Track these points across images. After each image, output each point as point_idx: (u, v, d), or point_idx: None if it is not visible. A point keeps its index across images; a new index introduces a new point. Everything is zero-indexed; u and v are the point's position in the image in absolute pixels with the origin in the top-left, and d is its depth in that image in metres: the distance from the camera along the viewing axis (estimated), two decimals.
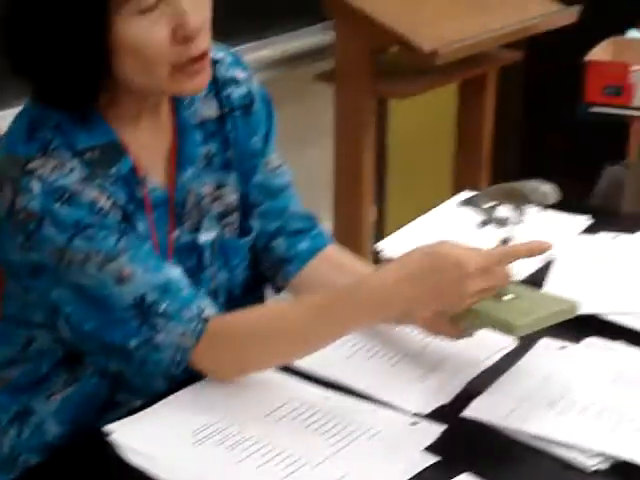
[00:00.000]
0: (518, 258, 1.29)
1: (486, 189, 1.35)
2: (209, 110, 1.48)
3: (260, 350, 1.37)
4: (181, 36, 1.28)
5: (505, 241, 1.34)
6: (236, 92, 1.50)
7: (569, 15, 3.09)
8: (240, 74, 1.52)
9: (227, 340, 1.36)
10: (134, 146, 1.39)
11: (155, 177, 1.42)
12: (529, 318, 1.30)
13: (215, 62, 1.46)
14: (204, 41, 1.32)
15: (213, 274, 1.50)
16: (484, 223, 1.34)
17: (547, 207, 1.84)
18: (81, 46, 1.27)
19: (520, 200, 1.31)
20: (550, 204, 1.30)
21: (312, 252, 1.56)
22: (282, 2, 2.90)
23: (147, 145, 1.41)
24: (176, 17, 1.27)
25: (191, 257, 1.47)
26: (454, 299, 1.29)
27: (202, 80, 1.35)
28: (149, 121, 1.42)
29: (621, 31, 3.06)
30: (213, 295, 1.48)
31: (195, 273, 1.46)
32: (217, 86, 1.48)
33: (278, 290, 1.60)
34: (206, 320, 1.35)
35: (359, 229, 2.81)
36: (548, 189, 1.30)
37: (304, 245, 1.56)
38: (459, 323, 1.35)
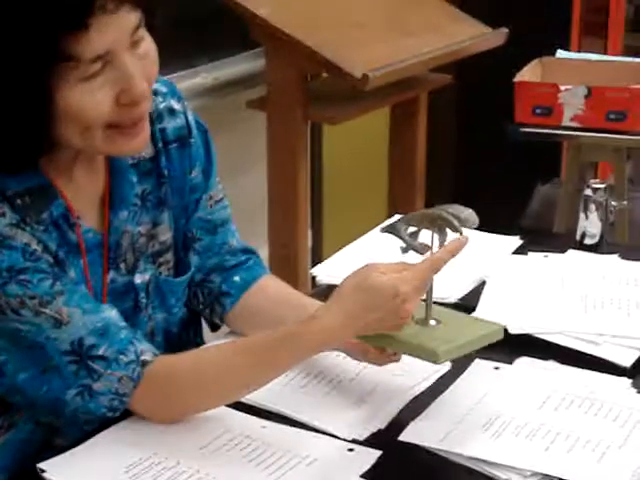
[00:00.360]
0: (444, 263, 1.30)
1: (406, 215, 1.35)
2: (144, 151, 1.44)
3: (199, 396, 1.36)
4: (125, 101, 1.26)
5: (405, 249, 1.35)
6: (172, 124, 1.47)
7: (498, 37, 3.13)
8: (175, 105, 1.49)
9: (166, 386, 1.35)
10: (67, 189, 1.37)
11: (89, 220, 1.40)
12: (452, 345, 1.31)
13: None
14: (147, 104, 1.31)
15: (150, 315, 1.48)
16: (405, 250, 1.35)
17: (477, 229, 1.87)
18: (24, 114, 1.25)
19: (440, 226, 1.32)
20: (471, 228, 1.31)
21: (246, 284, 1.55)
22: (212, 29, 2.90)
23: (81, 188, 1.39)
24: (121, 82, 1.25)
25: (127, 299, 1.45)
26: (392, 326, 1.31)
27: (140, 141, 1.33)
28: (84, 165, 1.39)
29: (550, 52, 3.10)
30: (150, 336, 1.47)
31: (132, 315, 1.44)
32: (150, 122, 1.42)
33: (213, 328, 1.60)
34: (144, 364, 1.34)
35: (295, 255, 2.81)
36: (468, 214, 1.31)
37: (238, 278, 1.55)
38: (386, 350, 1.37)
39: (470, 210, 1.31)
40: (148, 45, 1.30)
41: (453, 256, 1.31)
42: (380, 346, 1.37)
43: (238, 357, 1.36)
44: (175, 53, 2.75)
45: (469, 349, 1.35)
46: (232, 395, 1.37)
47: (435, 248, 1.31)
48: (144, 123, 1.32)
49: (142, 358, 1.34)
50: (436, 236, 1.32)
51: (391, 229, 1.35)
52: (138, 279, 1.45)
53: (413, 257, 1.34)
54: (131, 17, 1.25)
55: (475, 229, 1.90)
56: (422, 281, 1.30)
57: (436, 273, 1.31)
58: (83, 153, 1.37)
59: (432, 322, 1.35)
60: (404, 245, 1.35)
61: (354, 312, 1.29)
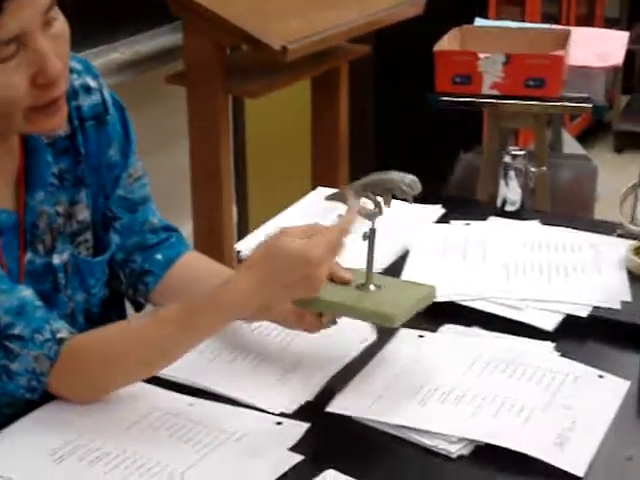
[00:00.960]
0: (351, 225, 1.32)
1: (352, 183, 1.35)
2: (63, 127, 1.41)
3: (118, 370, 1.35)
4: (41, 82, 1.25)
5: (368, 234, 1.35)
6: (88, 101, 1.46)
7: (416, 7, 3.13)
8: (91, 82, 1.47)
9: (84, 362, 1.34)
10: None
11: (3, 200, 1.38)
12: (402, 307, 1.33)
13: None
14: (64, 83, 1.30)
15: (70, 296, 1.46)
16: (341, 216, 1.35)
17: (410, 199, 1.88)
18: None
19: (385, 192, 1.32)
20: (415, 194, 1.31)
21: (169, 262, 1.54)
22: (128, 4, 2.86)
23: None
24: (36, 63, 1.24)
25: (46, 280, 1.43)
26: (308, 290, 1.31)
27: (60, 118, 1.32)
28: None
29: (468, 20, 3.11)
30: (71, 316, 1.46)
31: (51, 296, 1.43)
32: (67, 99, 1.40)
33: (138, 308, 1.58)
34: (60, 342, 1.32)
35: (221, 231, 2.79)
36: (412, 179, 1.31)
37: (160, 256, 1.54)
38: (324, 317, 1.37)
39: (412, 175, 1.32)
40: (61, 24, 1.29)
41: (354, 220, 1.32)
42: (324, 312, 1.37)
43: (155, 328, 1.34)
44: (92, 29, 2.71)
45: (415, 310, 1.36)
46: (152, 368, 1.36)
47: (377, 215, 1.32)
48: (62, 101, 1.31)
49: (58, 336, 1.32)
50: (379, 203, 1.32)
51: (338, 197, 1.34)
52: (56, 259, 1.43)
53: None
54: None
55: (397, 198, 1.93)
56: (333, 244, 1.30)
57: (346, 236, 1.31)
58: None
59: (372, 287, 1.36)
60: (343, 213, 1.34)
61: (266, 277, 1.29)
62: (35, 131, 1.35)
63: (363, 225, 1.35)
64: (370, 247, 1.36)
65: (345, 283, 1.37)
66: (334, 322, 1.39)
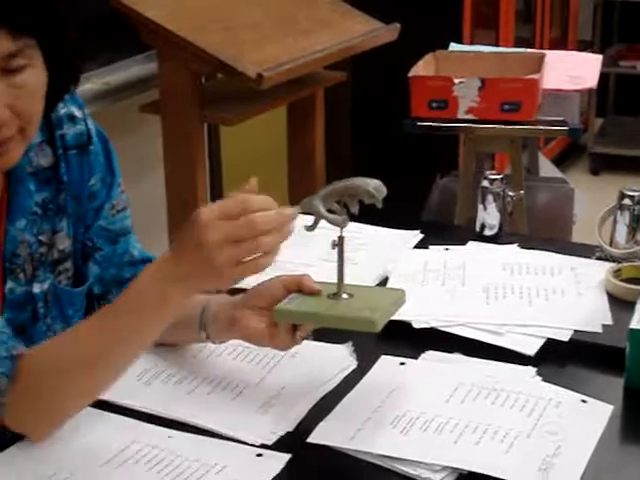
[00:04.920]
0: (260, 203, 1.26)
1: (317, 192, 1.34)
2: (43, 159, 1.43)
3: (70, 376, 1.30)
4: None
5: (337, 242, 1.34)
6: (72, 130, 1.45)
7: (390, 32, 3.14)
8: (76, 112, 1.46)
9: (39, 377, 1.30)
10: None
11: None
12: (381, 311, 1.32)
13: None
14: (10, 129, 1.28)
15: (49, 325, 1.44)
16: (311, 228, 1.34)
17: (378, 224, 1.87)
18: None
19: (351, 198, 1.31)
20: (380, 199, 1.29)
21: None
22: (102, 33, 2.85)
23: None
24: None
25: (26, 309, 1.41)
26: (202, 255, 1.21)
27: (5, 161, 1.31)
28: None
29: (443, 45, 3.12)
30: None
31: (30, 325, 1.41)
32: (50, 128, 1.43)
33: None
34: (16, 359, 1.29)
35: None
36: (377, 184, 1.30)
37: None
38: (297, 332, 1.35)
39: (378, 180, 1.31)
40: (30, 78, 1.28)
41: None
42: (304, 323, 1.35)
43: (84, 336, 1.30)
44: None
45: (392, 313, 1.35)
46: (92, 381, 1.32)
47: (344, 222, 1.32)
48: (8, 146, 1.30)
49: (13, 353, 1.29)
50: (344, 209, 1.32)
51: (307, 207, 1.33)
52: (37, 288, 1.42)
53: (321, 233, 1.33)
54: (4, 42, 1.23)
55: (376, 225, 1.92)
56: (227, 210, 1.23)
57: (245, 206, 1.24)
58: None
59: (344, 295, 1.35)
60: (310, 224, 1.33)
61: (176, 252, 1.24)
62: None
63: (331, 233, 1.34)
64: (340, 255, 1.34)
65: (315, 294, 1.35)
66: (306, 337, 1.38)
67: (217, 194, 3.40)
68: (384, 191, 1.30)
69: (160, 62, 2.70)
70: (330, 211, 1.32)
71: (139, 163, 3.01)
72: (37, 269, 1.42)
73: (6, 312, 1.38)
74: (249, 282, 1.37)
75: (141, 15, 2.58)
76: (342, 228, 1.33)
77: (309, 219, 1.32)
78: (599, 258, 1.79)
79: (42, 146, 1.43)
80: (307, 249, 1.75)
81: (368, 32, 3.04)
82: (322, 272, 1.39)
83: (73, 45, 1.37)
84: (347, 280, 1.35)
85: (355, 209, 1.32)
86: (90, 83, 2.80)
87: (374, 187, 1.29)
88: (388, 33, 3.12)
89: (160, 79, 2.71)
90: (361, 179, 1.31)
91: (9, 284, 1.39)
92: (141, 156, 3.01)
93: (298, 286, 1.35)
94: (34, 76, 1.29)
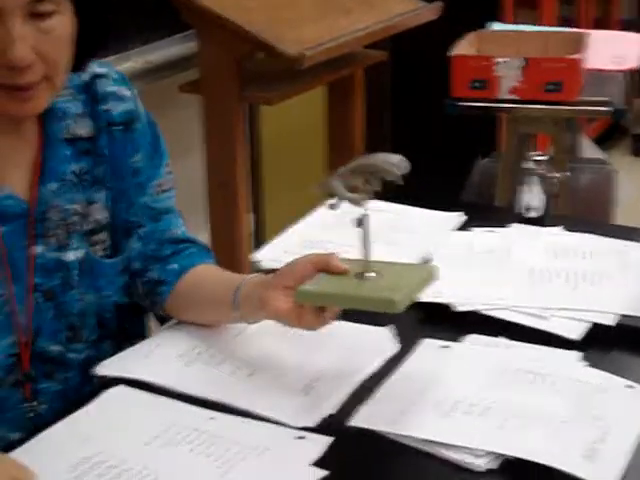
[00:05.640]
0: None
1: (338, 170, 1.32)
2: (82, 129, 1.46)
3: None
4: (3, 62, 1.28)
5: (362, 220, 1.32)
6: (119, 108, 1.48)
7: (432, 11, 3.11)
8: (125, 91, 1.50)
9: None
10: None
11: (15, 188, 1.39)
12: (404, 291, 1.29)
13: (97, 76, 1.46)
14: (35, 73, 1.30)
15: (81, 294, 1.46)
16: (334, 206, 1.32)
17: (420, 205, 1.85)
18: None
19: (373, 175, 1.29)
20: (403, 174, 1.27)
21: (181, 271, 1.52)
22: (142, 13, 2.85)
23: (3, 154, 1.39)
24: (3, 43, 1.27)
25: (55, 276, 1.43)
26: None
27: (33, 106, 1.34)
28: (7, 131, 1.39)
29: (484, 25, 3.09)
30: (81, 316, 1.46)
31: (60, 293, 1.44)
32: (94, 102, 1.46)
33: (161, 321, 1.56)
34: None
35: (237, 240, 2.77)
36: (399, 159, 1.28)
37: (176, 265, 1.53)
38: (326, 312, 1.33)
39: (399, 155, 1.28)
40: (58, 24, 1.31)
41: None
42: (325, 305, 1.33)
43: None
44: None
45: (418, 292, 1.33)
46: None
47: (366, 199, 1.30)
48: (34, 92, 1.32)
49: None
50: (366, 186, 1.30)
51: (325, 187, 1.31)
52: (71, 256, 1.44)
53: (345, 212, 1.31)
54: None
55: (417, 206, 1.90)
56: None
57: None
58: (2, 118, 1.37)
59: (371, 274, 1.33)
60: (334, 201, 1.32)
61: None
62: (3, 112, 1.35)
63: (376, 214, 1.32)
64: (365, 233, 1.33)
65: (342, 274, 1.33)
66: (335, 317, 1.35)
67: (257, 174, 3.40)
68: (406, 167, 1.28)
69: (200, 41, 2.69)
70: (353, 190, 1.30)
71: (178, 143, 2.99)
72: (70, 237, 1.44)
73: (35, 277, 1.40)
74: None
75: None
76: (364, 206, 1.31)
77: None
78: None
79: (82, 117, 1.46)
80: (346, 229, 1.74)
81: (410, 11, 3.01)
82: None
83: None
84: (389, 260, 1.34)
85: (377, 186, 1.30)
86: (131, 62, 2.80)
87: (394, 163, 1.27)
88: (430, 12, 3.09)
89: (200, 58, 2.70)
90: (382, 155, 1.29)
91: (39, 248, 1.41)
92: (180, 136, 3.00)
93: (325, 265, 1.34)
94: (61, 23, 1.32)
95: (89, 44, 1.39)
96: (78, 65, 1.40)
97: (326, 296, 1.32)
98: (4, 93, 1.30)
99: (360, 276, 1.33)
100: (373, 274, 1.33)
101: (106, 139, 1.47)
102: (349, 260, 1.35)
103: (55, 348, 1.46)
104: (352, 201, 1.30)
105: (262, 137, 3.42)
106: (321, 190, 1.29)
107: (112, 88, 1.48)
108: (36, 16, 1.28)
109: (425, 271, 1.36)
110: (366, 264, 1.33)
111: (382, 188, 1.32)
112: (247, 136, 3.06)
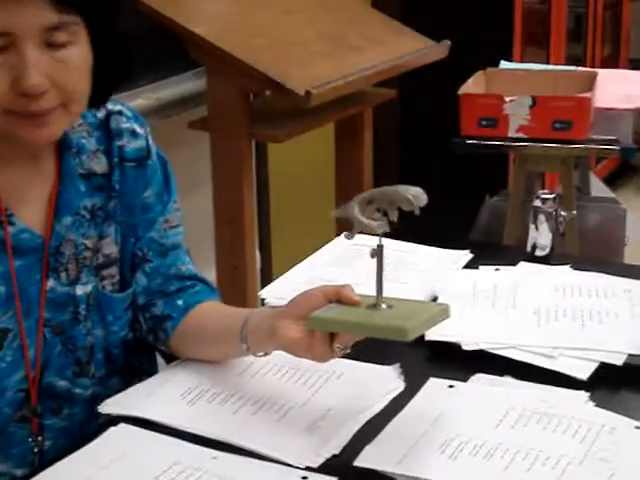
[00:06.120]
0: None
1: (356, 197, 1.31)
2: (97, 165, 1.47)
3: None
4: (18, 90, 1.28)
5: (375, 251, 1.31)
6: (132, 144, 1.49)
7: (440, 50, 3.11)
8: (138, 129, 1.51)
9: None
10: (1, 186, 1.37)
11: (30, 223, 1.40)
12: (415, 321, 1.28)
13: (111, 113, 1.48)
14: (50, 101, 1.30)
15: (89, 329, 1.46)
16: (350, 236, 1.31)
17: (427, 244, 1.84)
18: None
19: (390, 205, 1.28)
20: (420, 206, 1.26)
21: (187, 308, 1.52)
22: (152, 50, 2.86)
23: (20, 188, 1.40)
24: (17, 69, 1.27)
25: (66, 310, 1.43)
26: None
27: (47, 133, 1.34)
28: (25, 165, 1.40)
29: (493, 63, 3.09)
30: (89, 351, 1.45)
31: (69, 327, 1.43)
32: (109, 139, 1.47)
33: (165, 358, 1.56)
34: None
35: (244, 277, 2.76)
36: (417, 191, 1.27)
37: (181, 301, 1.52)
38: (334, 343, 1.31)
39: (418, 187, 1.28)
40: (74, 55, 1.31)
41: None
42: (337, 331, 1.31)
43: None
44: None
45: (429, 326, 1.32)
46: None
47: (382, 229, 1.29)
48: (49, 118, 1.32)
49: None
50: (384, 216, 1.29)
51: (344, 213, 1.31)
52: (80, 290, 1.44)
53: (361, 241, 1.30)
54: (47, 14, 1.26)
55: (425, 244, 1.90)
56: None
57: None
58: (19, 148, 1.37)
59: (383, 306, 1.32)
60: (351, 233, 1.31)
61: None
62: (19, 138, 1.34)
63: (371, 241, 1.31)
64: (379, 265, 1.32)
65: (355, 304, 1.32)
66: (345, 349, 1.33)
67: (264, 211, 3.39)
68: (424, 199, 1.27)
69: (209, 79, 2.70)
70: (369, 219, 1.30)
71: (187, 179, 2.99)
72: (81, 271, 1.44)
73: (47, 311, 1.40)
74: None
75: (190, 31, 2.57)
76: (380, 237, 1.30)
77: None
78: None
79: (97, 154, 1.47)
80: (354, 267, 1.74)
81: (418, 50, 3.02)
82: (369, 290, 1.36)
83: (122, 31, 1.41)
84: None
85: (394, 216, 1.29)
86: (141, 98, 2.81)
87: (413, 194, 1.26)
88: (438, 51, 3.10)
89: (209, 96, 2.71)
90: (401, 186, 1.28)
91: (50, 282, 1.42)
92: (189, 172, 3.01)
93: (338, 296, 1.33)
94: (78, 53, 1.32)
95: (108, 76, 1.39)
96: (99, 98, 1.40)
97: (338, 322, 1.31)
98: (19, 119, 1.30)
99: (372, 307, 1.32)
100: (385, 306, 1.32)
101: (119, 174, 1.48)
102: (362, 295, 1.34)
103: (62, 383, 1.45)
104: (369, 228, 1.30)
105: (270, 174, 3.42)
106: (339, 215, 1.28)
107: (126, 125, 1.49)
108: (51, 46, 1.29)
109: (438, 308, 1.35)
110: (379, 295, 1.32)
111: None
112: (255, 173, 3.05)
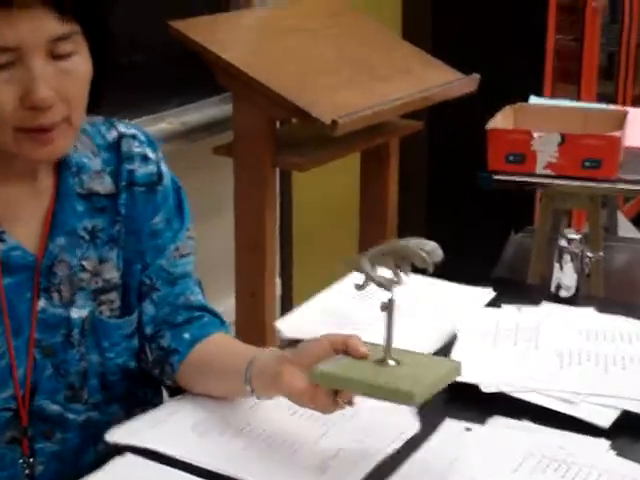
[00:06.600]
0: None
1: (368, 250, 1.28)
2: (99, 186, 1.44)
3: None
4: (27, 104, 1.26)
5: (387, 305, 1.28)
6: (143, 169, 1.47)
7: (470, 83, 3.09)
8: (151, 154, 1.49)
9: None
10: None
11: (23, 240, 1.38)
12: (423, 384, 1.24)
13: (124, 136, 1.46)
14: (56, 114, 1.29)
15: (83, 354, 1.43)
16: (361, 287, 1.28)
17: (449, 280, 1.81)
18: None
19: (403, 260, 1.25)
20: (435, 263, 1.23)
21: (194, 342, 1.48)
22: (178, 75, 2.85)
23: (15, 205, 1.38)
24: (25, 83, 1.26)
25: (57, 333, 1.41)
26: None
27: (53, 149, 1.32)
28: (22, 182, 1.38)
29: (522, 98, 3.07)
30: (83, 376, 1.42)
31: (61, 350, 1.41)
32: (119, 161, 1.45)
33: (170, 391, 1.52)
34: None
35: (263, 304, 2.73)
36: (433, 246, 1.23)
37: (187, 335, 1.49)
38: (339, 396, 1.28)
39: (434, 243, 1.24)
40: (78, 64, 1.31)
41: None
42: (340, 388, 1.28)
43: None
44: (141, 98, 2.70)
45: (438, 388, 1.27)
46: None
47: (394, 284, 1.26)
48: (56, 133, 1.30)
49: None
50: (396, 271, 1.26)
51: (353, 265, 1.27)
52: (75, 314, 1.41)
53: (371, 293, 1.27)
54: (52, 24, 1.26)
55: (448, 279, 1.86)
56: None
57: None
58: (17, 164, 1.36)
59: (391, 362, 1.28)
60: (360, 283, 1.28)
61: None
62: (24, 156, 1.33)
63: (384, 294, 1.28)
64: (389, 319, 1.28)
65: (362, 357, 1.29)
66: (350, 403, 1.30)
67: (286, 239, 3.37)
68: (439, 254, 1.23)
69: (235, 104, 2.68)
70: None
71: (211, 204, 2.99)
72: (76, 294, 1.41)
73: (37, 331, 1.38)
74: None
75: (217, 57, 2.56)
76: (391, 291, 1.27)
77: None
78: None
79: (101, 174, 1.44)
80: (371, 300, 1.70)
81: (447, 82, 3.00)
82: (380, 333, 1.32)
83: (114, 37, 1.40)
84: (414, 335, 1.29)
85: (407, 271, 1.26)
86: (165, 122, 2.81)
87: (427, 251, 1.23)
88: (468, 84, 3.08)
89: (234, 122, 2.69)
90: (416, 240, 1.25)
91: (42, 302, 1.39)
92: (212, 198, 3.00)
93: (345, 346, 1.29)
94: (81, 63, 1.31)
95: (104, 83, 1.38)
96: (94, 106, 1.39)
97: (341, 379, 1.27)
98: (24, 136, 1.29)
99: (380, 362, 1.28)
100: (393, 362, 1.28)
101: (125, 198, 1.45)
102: (370, 344, 1.30)
103: (54, 407, 1.42)
104: (380, 284, 1.27)
105: (294, 202, 3.40)
106: (348, 267, 1.25)
107: (138, 149, 1.47)
108: (57, 57, 1.28)
109: (448, 366, 1.31)
110: (387, 350, 1.28)
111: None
112: (279, 200, 3.03)
